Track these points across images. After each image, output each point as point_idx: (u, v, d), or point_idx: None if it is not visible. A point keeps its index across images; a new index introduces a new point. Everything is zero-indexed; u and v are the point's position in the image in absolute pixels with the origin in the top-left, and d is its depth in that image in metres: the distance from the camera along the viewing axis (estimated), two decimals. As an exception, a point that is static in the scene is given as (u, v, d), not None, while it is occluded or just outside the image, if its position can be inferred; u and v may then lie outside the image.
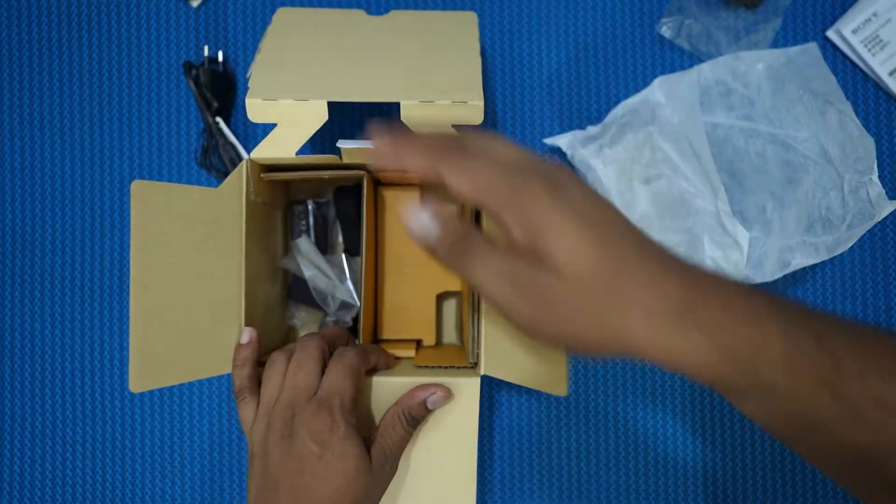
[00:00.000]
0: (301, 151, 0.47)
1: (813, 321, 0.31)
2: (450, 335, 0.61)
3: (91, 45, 0.64)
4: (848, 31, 0.63)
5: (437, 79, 0.47)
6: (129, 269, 0.62)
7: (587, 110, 0.64)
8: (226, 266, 0.48)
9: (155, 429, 0.62)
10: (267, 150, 0.47)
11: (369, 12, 0.54)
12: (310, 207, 0.60)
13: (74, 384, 0.62)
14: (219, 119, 0.60)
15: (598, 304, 0.30)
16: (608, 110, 0.62)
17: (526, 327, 0.32)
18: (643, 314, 0.30)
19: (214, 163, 0.61)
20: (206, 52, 0.62)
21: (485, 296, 0.32)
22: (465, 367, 0.49)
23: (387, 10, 0.55)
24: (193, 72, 0.60)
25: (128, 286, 0.62)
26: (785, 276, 0.59)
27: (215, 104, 0.60)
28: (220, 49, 0.63)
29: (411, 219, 0.33)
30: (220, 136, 0.60)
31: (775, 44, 0.64)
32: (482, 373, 0.46)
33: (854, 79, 0.64)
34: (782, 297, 0.32)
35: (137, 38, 0.64)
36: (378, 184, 0.58)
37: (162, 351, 0.42)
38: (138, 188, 0.41)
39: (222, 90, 0.61)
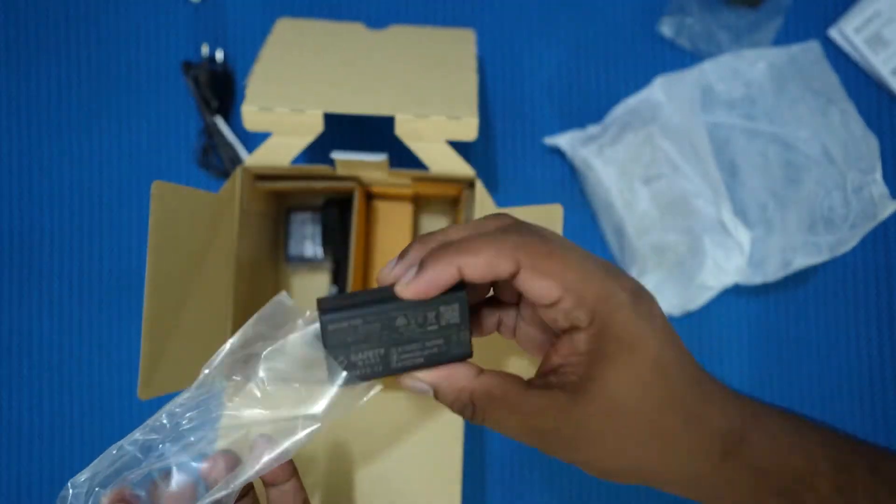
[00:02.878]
0: (295, 161, 0.47)
1: (865, 450, 0.31)
2: None
3: (89, 43, 0.63)
4: (850, 30, 0.63)
5: (432, 94, 0.47)
6: (126, 269, 0.62)
7: (588, 110, 0.64)
8: (221, 273, 0.48)
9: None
10: (261, 159, 0.47)
11: (369, 26, 0.54)
12: (318, 214, 0.59)
13: (72, 384, 0.61)
14: (218, 118, 0.60)
15: (636, 438, 0.28)
16: (609, 110, 0.62)
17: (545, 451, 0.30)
18: (686, 454, 0.29)
19: (214, 163, 0.61)
20: (205, 52, 0.62)
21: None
22: None
23: (386, 24, 0.55)
24: (192, 71, 0.60)
25: (125, 286, 0.61)
26: (787, 277, 0.58)
27: (214, 103, 0.60)
28: (219, 48, 0.63)
29: (405, 385, 0.31)
30: (219, 135, 0.60)
31: (777, 43, 0.64)
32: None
33: (856, 78, 0.64)
34: (831, 426, 0.32)
35: (136, 36, 0.63)
36: (370, 196, 0.58)
37: (169, 358, 0.42)
38: (158, 189, 0.40)
39: (221, 90, 0.61)
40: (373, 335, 0.29)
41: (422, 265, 0.29)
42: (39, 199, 0.62)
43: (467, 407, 0.30)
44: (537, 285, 0.28)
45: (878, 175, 0.58)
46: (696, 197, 0.58)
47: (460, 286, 0.30)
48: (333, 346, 0.29)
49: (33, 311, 0.62)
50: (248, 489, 0.36)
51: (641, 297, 0.29)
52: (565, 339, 0.29)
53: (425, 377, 0.30)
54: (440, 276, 0.28)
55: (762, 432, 0.30)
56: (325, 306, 0.29)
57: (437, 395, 0.31)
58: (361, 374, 0.30)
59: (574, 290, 0.28)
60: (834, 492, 0.29)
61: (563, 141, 0.62)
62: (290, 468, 0.36)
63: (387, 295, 0.29)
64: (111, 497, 0.33)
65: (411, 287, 0.29)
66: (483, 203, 0.45)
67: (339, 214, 0.58)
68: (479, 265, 0.28)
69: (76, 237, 0.62)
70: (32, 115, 0.63)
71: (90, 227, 0.62)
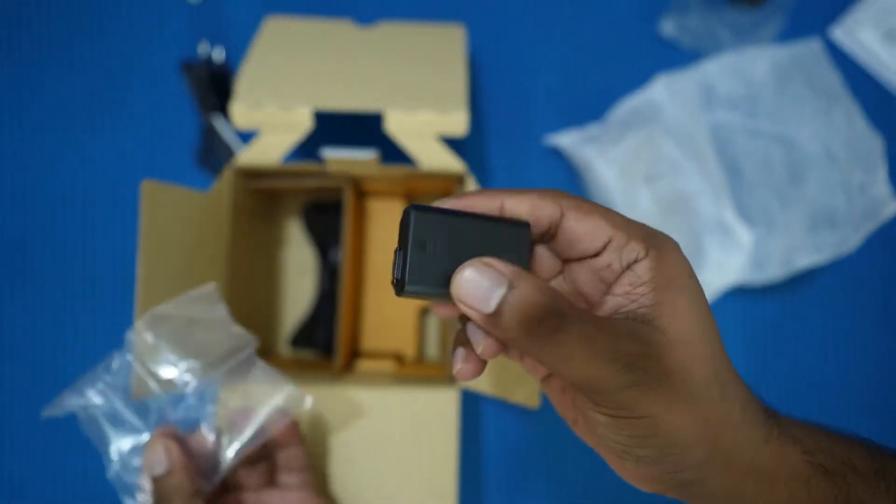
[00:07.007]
0: (287, 160, 0.47)
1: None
2: (431, 350, 0.61)
3: (87, 43, 0.64)
4: (869, 24, 0.62)
5: (422, 89, 0.48)
6: (122, 269, 0.62)
7: (588, 109, 0.63)
8: (213, 272, 0.48)
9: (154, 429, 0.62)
10: (251, 157, 0.47)
11: (358, 22, 0.55)
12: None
13: (68, 384, 0.61)
14: (217, 117, 0.61)
15: (702, 379, 0.26)
16: (609, 109, 0.62)
17: (625, 414, 0.26)
18: (741, 410, 0.27)
19: (214, 162, 0.61)
20: (204, 51, 0.62)
21: (578, 383, 0.26)
22: (444, 380, 0.49)
23: (375, 21, 0.55)
24: (192, 71, 0.60)
25: (123, 285, 0.62)
26: (789, 276, 0.58)
27: (214, 103, 0.60)
28: (219, 47, 0.63)
29: (459, 278, 0.25)
30: (218, 134, 0.61)
31: (779, 42, 0.63)
32: (460, 385, 0.46)
33: (858, 77, 0.63)
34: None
35: (136, 35, 0.64)
36: (362, 195, 0.58)
37: None
38: (148, 189, 0.40)
39: (221, 89, 0.61)
40: (447, 243, 0.27)
41: (467, 195, 0.29)
42: (35, 198, 0.63)
43: (552, 313, 0.25)
44: (585, 226, 0.28)
45: (882, 174, 0.57)
46: (697, 197, 0.58)
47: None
48: (415, 241, 0.27)
49: (28, 311, 0.62)
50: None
51: (675, 245, 0.29)
52: (624, 276, 0.28)
53: (502, 267, 0.25)
54: (480, 200, 0.28)
55: (788, 420, 0.29)
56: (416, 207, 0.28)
57: (514, 291, 0.25)
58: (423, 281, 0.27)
59: (623, 227, 0.27)
60: (872, 475, 0.29)
61: (564, 141, 0.62)
62: (296, 432, 0.43)
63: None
64: (161, 430, 0.40)
65: (450, 200, 0.28)
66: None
67: (321, 217, 0.58)
68: (523, 205, 0.28)
69: (72, 237, 0.62)
70: (31, 115, 0.63)
71: (86, 227, 0.62)
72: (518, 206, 0.28)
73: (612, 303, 0.28)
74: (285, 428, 0.43)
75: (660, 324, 0.26)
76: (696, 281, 0.28)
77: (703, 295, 0.28)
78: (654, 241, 0.28)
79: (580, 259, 0.29)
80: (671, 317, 0.26)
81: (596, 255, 0.28)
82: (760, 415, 0.28)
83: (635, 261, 0.27)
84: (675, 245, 0.28)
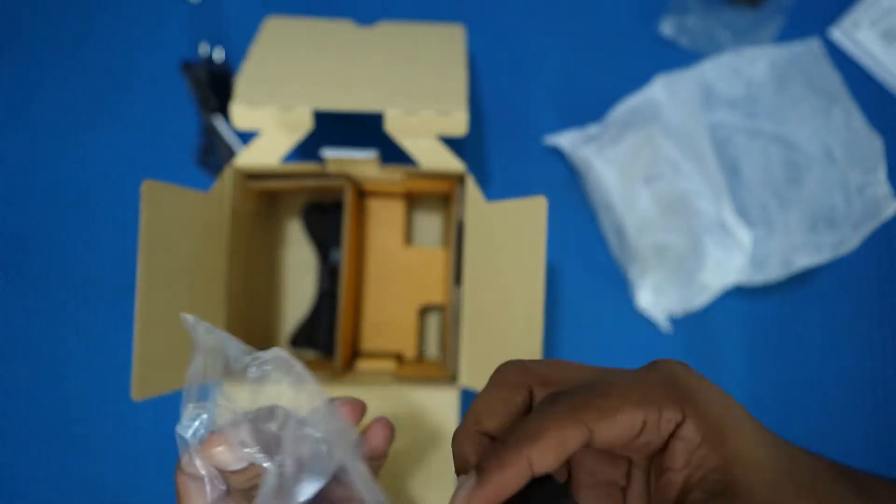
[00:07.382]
0: (287, 160, 0.47)
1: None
2: (431, 349, 0.61)
3: (87, 43, 0.64)
4: (867, 24, 0.63)
5: (422, 89, 0.48)
6: (122, 270, 0.62)
7: (588, 109, 0.63)
8: (214, 273, 0.48)
9: (154, 429, 0.62)
10: (251, 158, 0.47)
11: (358, 22, 0.55)
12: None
13: (68, 385, 0.61)
14: (217, 118, 0.61)
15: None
16: (609, 109, 0.62)
17: None
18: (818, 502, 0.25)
19: (213, 162, 0.61)
20: (204, 51, 0.62)
21: None
22: (444, 380, 0.49)
23: (375, 21, 0.55)
24: (192, 71, 0.61)
25: (123, 287, 0.62)
26: (788, 277, 0.58)
27: (214, 103, 0.60)
28: (219, 47, 0.63)
29: None
30: (218, 135, 0.61)
31: (778, 42, 0.63)
32: (461, 384, 0.46)
33: (858, 77, 0.63)
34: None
35: (136, 35, 0.64)
36: (362, 195, 0.58)
37: (162, 357, 0.42)
38: (149, 189, 0.40)
39: (221, 89, 0.61)
40: None
41: (480, 469, 0.24)
42: (35, 198, 0.63)
43: None
44: (620, 428, 0.25)
45: (882, 174, 0.57)
46: (696, 197, 0.58)
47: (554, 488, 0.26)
48: None
49: (29, 312, 0.62)
50: None
51: (687, 368, 0.27)
52: (673, 447, 0.25)
53: None
54: (509, 473, 0.24)
55: (867, 478, 0.29)
56: None
57: None
58: None
59: (651, 400, 0.25)
60: None
61: (563, 141, 0.62)
62: (390, 442, 0.35)
63: None
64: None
65: (484, 489, 0.24)
66: (474, 198, 0.45)
67: (321, 217, 0.58)
68: (551, 454, 0.24)
69: (73, 238, 0.62)
70: (31, 115, 0.63)
71: (87, 228, 0.62)
72: (546, 458, 0.24)
73: (677, 480, 0.25)
74: (379, 444, 0.35)
75: (740, 489, 0.24)
76: (734, 403, 0.26)
77: (746, 412, 0.26)
78: (676, 390, 0.25)
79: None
80: (745, 473, 0.24)
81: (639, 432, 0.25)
82: (839, 492, 0.26)
83: (676, 426, 0.25)
84: (689, 371, 0.26)
